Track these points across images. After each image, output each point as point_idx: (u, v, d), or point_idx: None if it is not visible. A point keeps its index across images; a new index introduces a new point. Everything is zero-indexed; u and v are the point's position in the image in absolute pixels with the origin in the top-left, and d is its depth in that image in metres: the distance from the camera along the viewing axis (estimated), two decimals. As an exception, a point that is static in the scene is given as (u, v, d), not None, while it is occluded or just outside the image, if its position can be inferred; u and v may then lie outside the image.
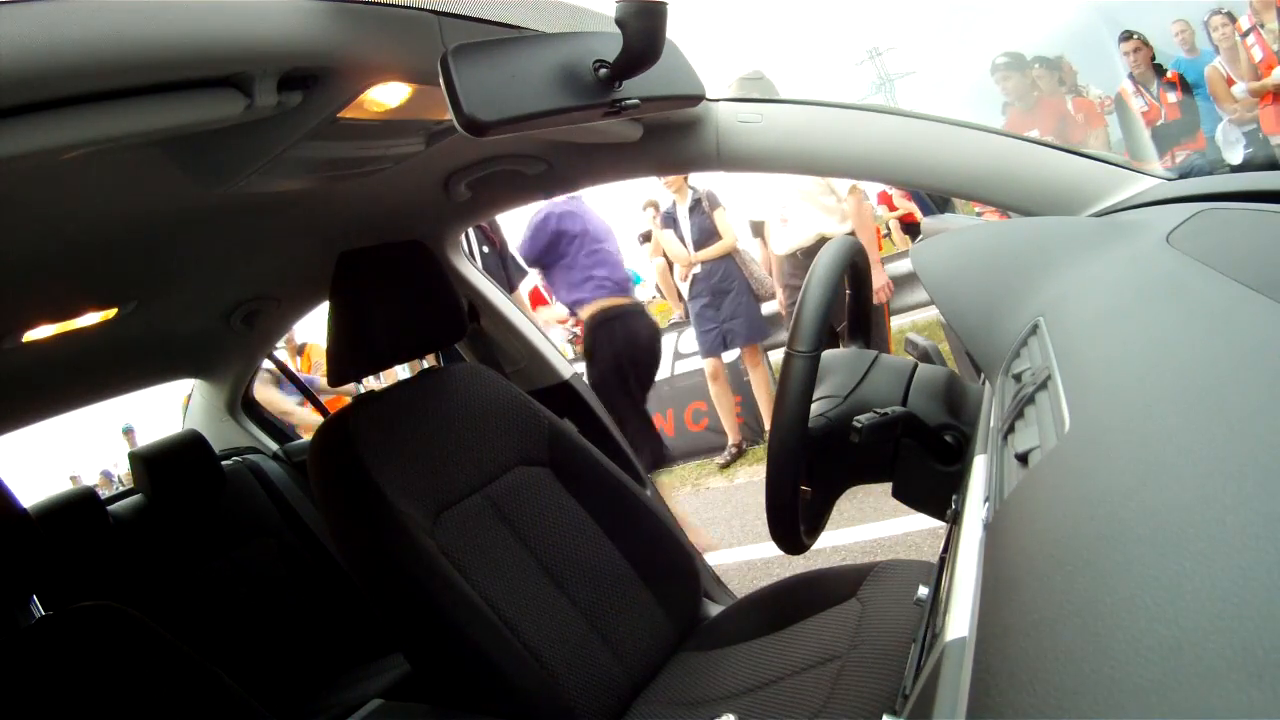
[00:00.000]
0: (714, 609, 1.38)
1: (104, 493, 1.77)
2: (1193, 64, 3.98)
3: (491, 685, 0.97)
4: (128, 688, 0.82)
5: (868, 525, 2.56)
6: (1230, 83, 3.78)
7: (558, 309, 3.35)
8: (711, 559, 1.68)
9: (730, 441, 4.10)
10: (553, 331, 3.70)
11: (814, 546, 0.90)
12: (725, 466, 4.05)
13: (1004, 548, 0.37)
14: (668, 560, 1.24)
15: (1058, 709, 0.23)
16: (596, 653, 1.08)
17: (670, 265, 4.27)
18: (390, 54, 0.64)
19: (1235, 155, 3.73)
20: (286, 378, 2.34)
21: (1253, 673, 0.19)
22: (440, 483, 1.09)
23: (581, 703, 1.01)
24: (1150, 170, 0.92)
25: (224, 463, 1.82)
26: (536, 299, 5.40)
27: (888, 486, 0.90)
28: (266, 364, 2.29)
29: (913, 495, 0.88)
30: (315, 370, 3.80)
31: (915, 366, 0.92)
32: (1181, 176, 0.90)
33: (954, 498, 0.71)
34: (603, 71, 0.68)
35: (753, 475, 3.73)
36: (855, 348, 0.98)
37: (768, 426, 0.86)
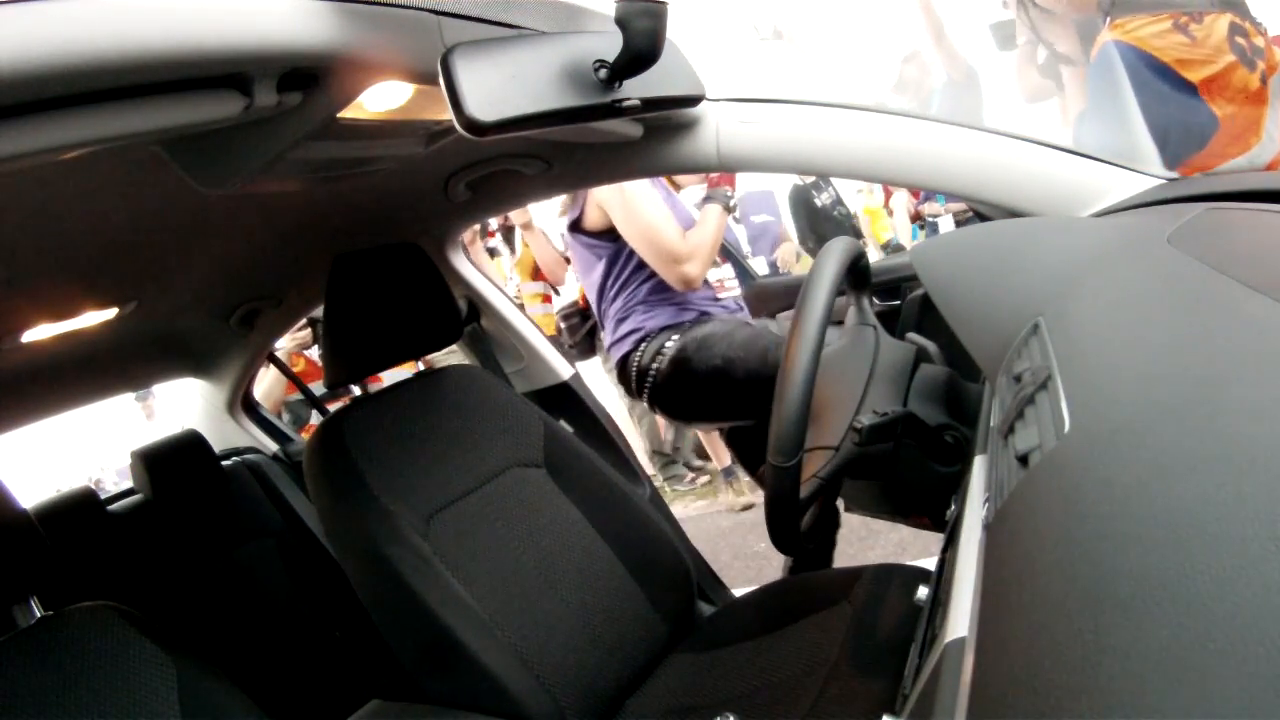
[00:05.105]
0: (708, 610, 1.38)
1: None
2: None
3: (482, 686, 0.97)
4: (128, 688, 0.82)
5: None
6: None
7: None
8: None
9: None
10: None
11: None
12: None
13: (1004, 548, 0.37)
14: (661, 562, 1.24)
15: (1058, 709, 0.23)
16: (588, 654, 1.08)
17: None
18: (390, 54, 0.64)
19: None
20: (287, 377, 2.34)
21: (1253, 672, 0.19)
22: (434, 484, 1.09)
23: (573, 705, 1.01)
24: (1150, 170, 0.92)
25: (224, 463, 1.82)
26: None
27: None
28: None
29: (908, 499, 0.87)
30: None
31: (916, 366, 0.92)
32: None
33: (954, 498, 0.71)
34: (603, 72, 0.68)
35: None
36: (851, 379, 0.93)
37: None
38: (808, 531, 0.80)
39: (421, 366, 2.04)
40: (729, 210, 1.70)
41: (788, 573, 1.80)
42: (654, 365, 1.66)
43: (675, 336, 1.66)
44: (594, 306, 1.82)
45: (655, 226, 1.59)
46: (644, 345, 1.69)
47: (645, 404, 1.76)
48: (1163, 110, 1.16)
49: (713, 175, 1.69)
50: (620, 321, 1.72)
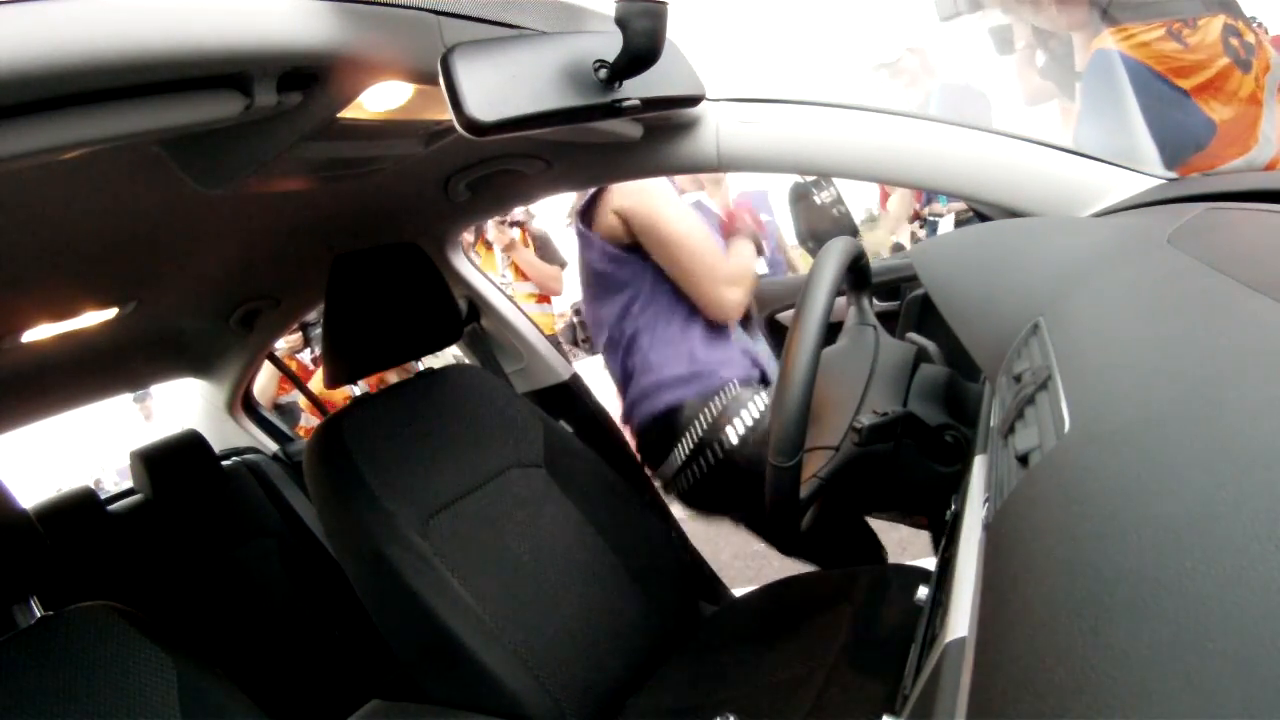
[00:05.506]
0: (708, 610, 1.38)
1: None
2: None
3: (482, 687, 0.97)
4: (128, 688, 0.82)
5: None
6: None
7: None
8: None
9: None
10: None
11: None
12: None
13: (1004, 548, 0.37)
14: (662, 562, 1.24)
15: (1058, 709, 0.23)
16: (589, 654, 1.08)
17: None
18: (390, 54, 0.64)
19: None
20: (286, 376, 2.34)
21: (1253, 672, 0.19)
22: (434, 485, 1.10)
23: (573, 705, 1.01)
24: (1150, 170, 0.92)
25: (224, 463, 1.82)
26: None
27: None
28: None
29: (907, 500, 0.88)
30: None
31: (916, 366, 0.92)
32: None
33: (954, 498, 0.71)
34: (603, 72, 0.68)
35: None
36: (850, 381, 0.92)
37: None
38: (808, 532, 0.80)
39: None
40: (760, 252, 1.50)
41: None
42: (724, 433, 1.34)
43: (759, 404, 1.37)
44: (605, 324, 1.48)
45: (702, 245, 1.37)
46: (716, 400, 1.37)
47: (681, 480, 1.41)
48: (1157, 120, 1.16)
49: (740, 218, 1.51)
50: (675, 358, 1.40)
